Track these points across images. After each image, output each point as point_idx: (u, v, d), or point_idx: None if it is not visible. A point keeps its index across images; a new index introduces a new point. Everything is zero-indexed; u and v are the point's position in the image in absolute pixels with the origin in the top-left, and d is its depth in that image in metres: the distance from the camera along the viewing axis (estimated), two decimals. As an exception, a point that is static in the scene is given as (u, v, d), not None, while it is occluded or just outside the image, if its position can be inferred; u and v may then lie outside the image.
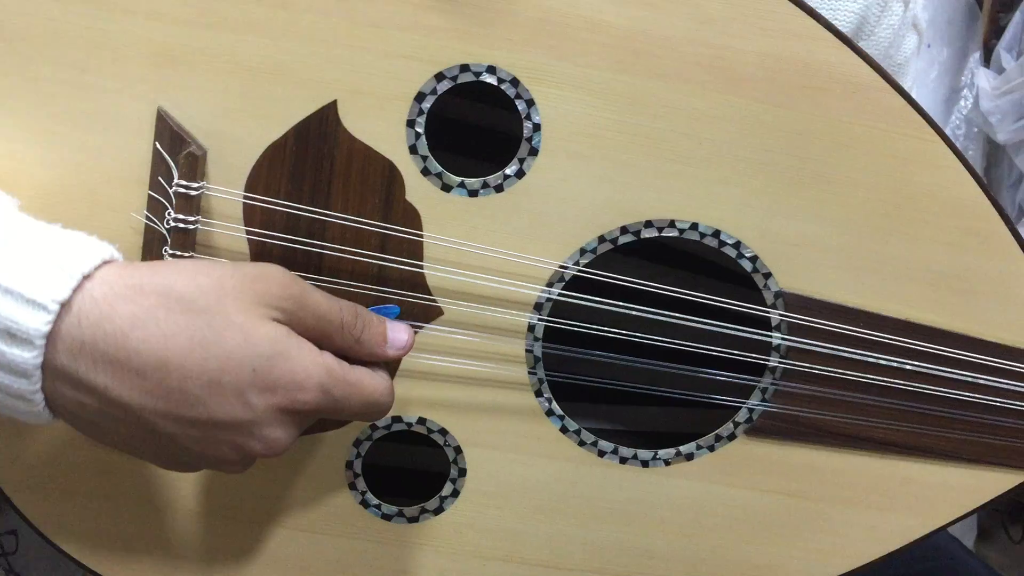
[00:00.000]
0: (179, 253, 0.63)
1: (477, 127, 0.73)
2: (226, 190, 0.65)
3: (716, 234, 0.69)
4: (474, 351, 0.69)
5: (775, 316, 0.71)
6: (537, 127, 0.66)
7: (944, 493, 0.76)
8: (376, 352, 0.62)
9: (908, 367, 0.73)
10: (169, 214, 0.63)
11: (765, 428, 0.73)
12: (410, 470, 0.74)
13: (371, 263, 0.67)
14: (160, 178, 0.63)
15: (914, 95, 0.70)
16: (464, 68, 0.65)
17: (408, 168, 0.66)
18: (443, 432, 0.71)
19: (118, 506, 0.70)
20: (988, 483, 0.77)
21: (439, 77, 0.65)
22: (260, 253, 0.66)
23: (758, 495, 0.74)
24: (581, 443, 0.72)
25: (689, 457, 0.73)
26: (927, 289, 0.72)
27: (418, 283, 0.68)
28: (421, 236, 0.67)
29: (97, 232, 0.59)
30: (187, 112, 0.63)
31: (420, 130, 0.65)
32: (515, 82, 0.65)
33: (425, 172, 0.66)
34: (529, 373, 0.70)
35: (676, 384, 0.74)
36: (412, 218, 0.67)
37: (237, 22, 0.63)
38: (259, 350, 0.56)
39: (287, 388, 0.57)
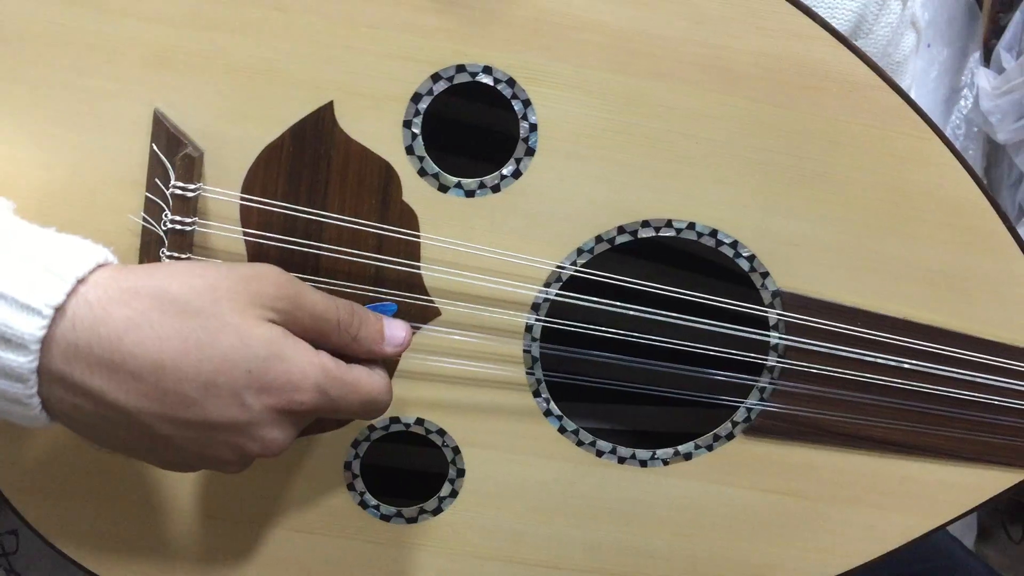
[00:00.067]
0: (176, 255, 0.64)
1: (474, 127, 0.73)
2: (223, 191, 0.65)
3: (713, 234, 0.69)
4: (472, 352, 0.69)
5: (773, 315, 0.71)
6: (534, 127, 0.66)
7: (943, 492, 0.76)
8: (374, 350, 0.62)
9: (906, 366, 0.73)
10: (166, 216, 0.63)
11: (763, 427, 0.73)
12: (408, 471, 0.74)
13: (368, 264, 0.67)
14: (157, 180, 0.63)
15: (914, 95, 0.70)
16: (460, 68, 0.65)
17: (405, 169, 0.66)
18: (441, 433, 0.71)
19: (117, 508, 0.70)
20: (987, 482, 0.77)
21: (435, 78, 0.65)
22: (257, 254, 0.66)
23: (757, 494, 0.74)
24: (579, 443, 0.72)
25: (687, 457, 0.73)
26: (925, 288, 0.72)
27: (415, 284, 0.68)
28: (418, 237, 0.67)
29: (94, 234, 0.59)
30: (183, 114, 0.64)
31: (417, 131, 0.65)
32: (511, 82, 0.65)
33: (422, 173, 0.66)
34: (527, 373, 0.70)
35: (674, 384, 0.74)
36: (409, 219, 0.67)
37: (233, 24, 0.63)
38: (254, 351, 0.56)
39: (283, 389, 0.57)
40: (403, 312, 0.67)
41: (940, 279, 0.72)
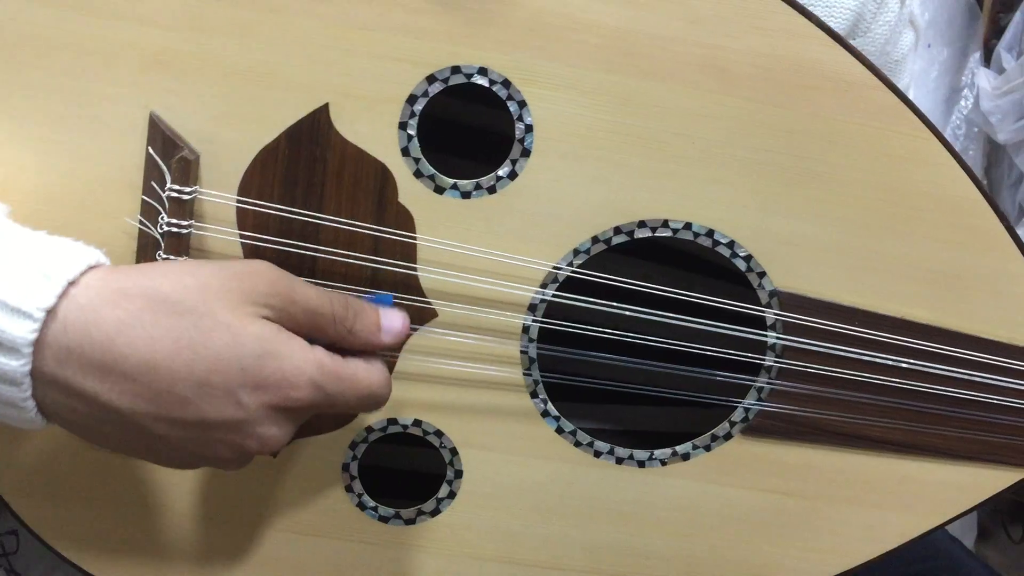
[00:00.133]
0: (173, 257, 0.64)
1: (470, 128, 0.73)
2: (219, 194, 0.65)
3: (710, 234, 0.69)
4: (469, 353, 0.69)
5: (770, 315, 0.71)
6: (529, 128, 0.66)
7: (942, 491, 0.76)
8: (371, 341, 0.61)
9: (904, 365, 0.73)
10: (162, 218, 0.63)
11: (761, 427, 0.73)
12: (406, 472, 0.74)
13: (364, 266, 0.67)
14: (153, 183, 0.64)
15: (914, 95, 0.70)
16: (455, 70, 0.65)
17: (400, 170, 0.66)
18: (439, 434, 0.71)
19: (115, 510, 0.70)
20: (986, 481, 0.77)
21: (430, 79, 0.65)
22: (253, 256, 0.66)
23: (755, 494, 0.74)
24: (577, 444, 0.72)
25: (685, 457, 0.73)
26: (923, 287, 0.72)
27: (412, 285, 0.68)
28: (414, 238, 0.67)
29: (90, 236, 0.59)
30: (179, 117, 0.64)
31: (412, 132, 0.65)
32: (506, 83, 0.65)
33: (418, 174, 0.66)
34: (524, 374, 0.70)
35: (672, 384, 0.74)
36: (405, 220, 0.67)
37: (228, 26, 0.63)
38: (248, 349, 0.56)
39: (278, 386, 0.56)
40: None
41: (938, 278, 0.72)
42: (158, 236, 0.64)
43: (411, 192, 0.66)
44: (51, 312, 0.54)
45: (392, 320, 0.62)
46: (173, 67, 0.63)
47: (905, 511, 0.76)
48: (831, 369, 0.72)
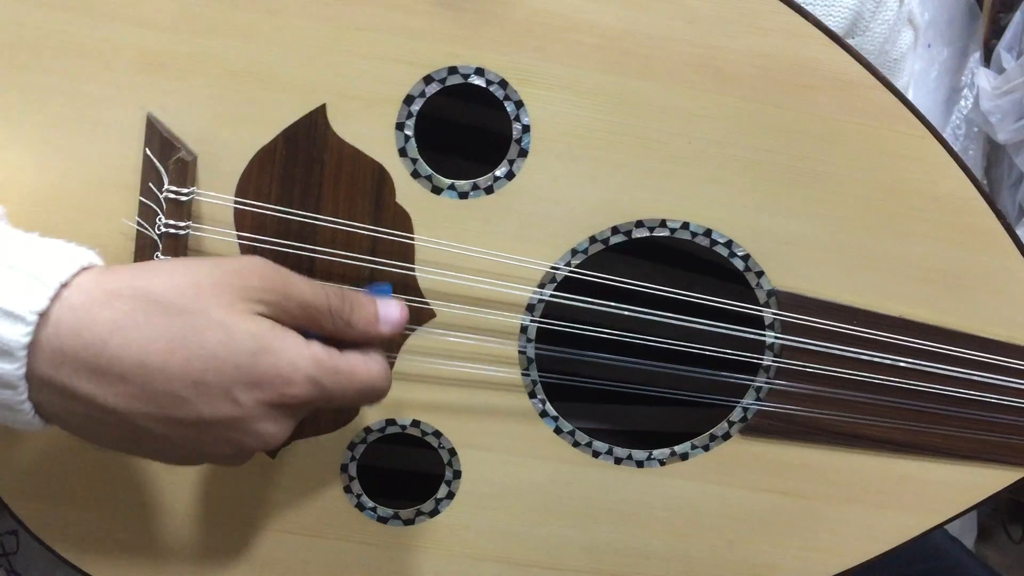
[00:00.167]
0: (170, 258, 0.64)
1: (468, 128, 0.73)
2: (216, 195, 0.65)
3: (707, 233, 0.69)
4: (467, 353, 0.69)
5: (768, 315, 0.71)
6: (526, 128, 0.66)
7: (941, 490, 0.76)
8: (370, 332, 0.61)
9: (903, 364, 0.73)
10: (160, 220, 0.63)
11: (760, 427, 0.73)
12: (405, 473, 0.74)
13: (362, 266, 0.67)
14: (150, 184, 0.64)
15: (914, 95, 0.71)
16: (452, 70, 0.65)
17: (398, 171, 0.66)
18: (437, 434, 0.71)
19: (115, 511, 0.70)
20: (985, 480, 0.77)
21: (427, 80, 0.65)
22: (251, 257, 0.66)
23: (754, 494, 0.74)
24: (575, 444, 0.72)
25: (684, 457, 0.73)
26: (921, 286, 0.72)
27: (409, 286, 0.68)
28: (412, 239, 0.67)
29: (88, 238, 0.59)
30: (176, 118, 0.64)
31: (409, 133, 0.65)
32: (503, 84, 0.65)
33: (415, 175, 0.66)
34: (522, 374, 0.70)
35: (670, 384, 0.74)
36: (402, 221, 0.67)
37: (224, 28, 0.63)
38: (242, 346, 0.55)
39: (274, 383, 0.56)
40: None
41: (936, 277, 0.72)
42: (156, 237, 0.64)
43: (408, 193, 0.66)
44: (44, 315, 0.54)
45: (390, 310, 0.61)
46: (170, 68, 0.63)
47: (904, 510, 0.76)
48: (830, 368, 0.72)
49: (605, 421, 0.77)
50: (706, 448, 0.73)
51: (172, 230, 0.63)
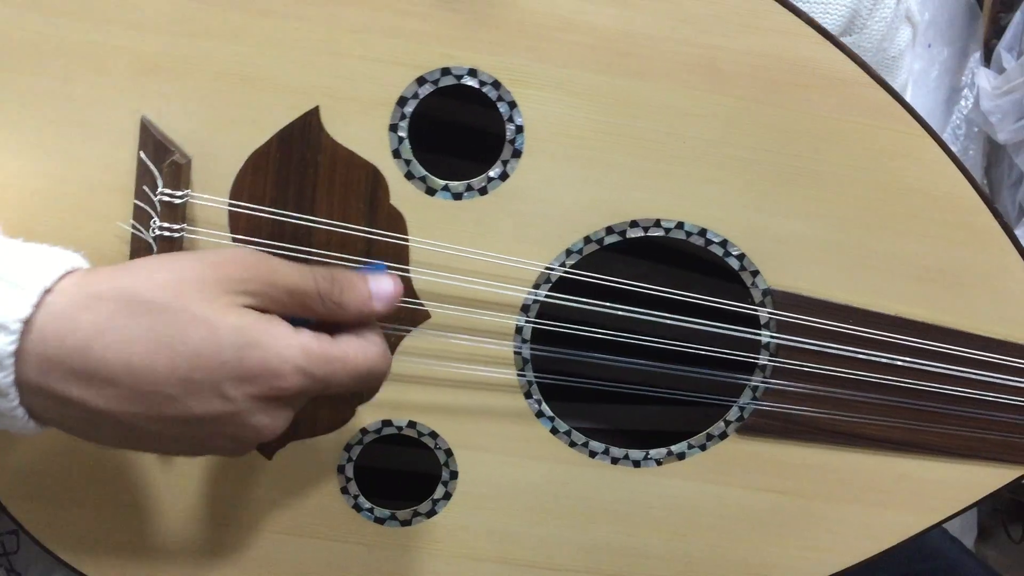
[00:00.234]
0: (161, 258, 0.64)
1: (462, 129, 0.73)
2: (211, 198, 0.65)
3: (702, 233, 0.69)
4: (462, 354, 0.70)
5: (764, 314, 0.71)
6: (520, 129, 0.66)
7: (939, 489, 0.76)
8: (363, 311, 0.59)
9: (900, 363, 0.73)
10: (155, 222, 0.64)
11: (757, 426, 0.73)
12: (402, 473, 0.74)
13: (357, 267, 0.67)
14: (145, 187, 0.64)
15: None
16: (445, 71, 0.65)
17: (392, 172, 0.66)
18: (433, 435, 0.71)
19: (112, 512, 0.70)
20: (984, 478, 0.77)
21: (420, 81, 0.65)
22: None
23: (751, 493, 0.74)
24: (572, 444, 0.72)
25: (681, 456, 0.73)
26: (917, 284, 0.72)
27: (404, 287, 0.68)
28: (406, 240, 0.67)
29: (84, 241, 0.59)
30: (170, 121, 0.64)
31: (403, 134, 0.66)
32: (496, 84, 0.65)
33: (409, 176, 0.66)
34: (518, 375, 0.70)
35: (666, 383, 0.74)
36: (397, 222, 0.67)
37: (218, 30, 0.63)
38: (226, 341, 0.54)
39: (262, 377, 0.55)
40: (393, 316, 0.67)
41: (932, 275, 0.72)
42: (150, 240, 0.64)
43: (402, 194, 0.66)
44: (28, 322, 0.53)
45: (382, 285, 0.60)
46: (164, 72, 0.63)
47: (903, 509, 0.76)
48: (826, 368, 0.72)
49: (601, 421, 0.77)
50: (703, 448, 0.73)
51: (167, 233, 0.63)
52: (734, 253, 0.70)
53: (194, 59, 0.63)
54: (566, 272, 0.69)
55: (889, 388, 0.73)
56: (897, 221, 0.71)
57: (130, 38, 0.63)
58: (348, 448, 0.71)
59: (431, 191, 0.67)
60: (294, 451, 0.70)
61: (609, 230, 0.69)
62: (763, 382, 0.72)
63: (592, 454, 0.72)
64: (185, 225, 0.64)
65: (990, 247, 0.72)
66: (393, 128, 0.65)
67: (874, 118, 0.69)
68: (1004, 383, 0.74)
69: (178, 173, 0.63)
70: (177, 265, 0.56)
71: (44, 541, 0.70)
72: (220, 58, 0.63)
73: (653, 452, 0.73)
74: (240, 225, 0.66)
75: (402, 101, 0.65)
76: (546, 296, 0.69)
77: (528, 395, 0.71)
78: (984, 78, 1.60)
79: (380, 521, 0.72)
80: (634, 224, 0.69)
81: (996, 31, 1.68)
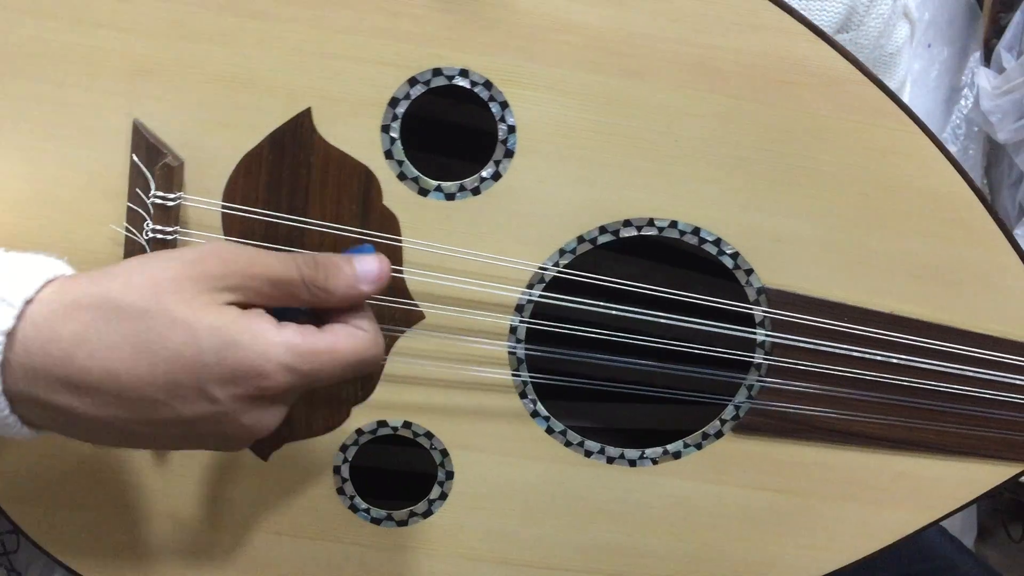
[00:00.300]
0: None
1: (454, 129, 0.73)
2: (204, 200, 0.65)
3: (696, 231, 0.69)
4: (457, 354, 0.70)
5: (758, 312, 0.71)
6: (512, 129, 0.66)
7: (938, 487, 0.76)
8: (351, 295, 0.58)
9: (895, 361, 0.73)
10: (148, 225, 0.64)
11: (752, 425, 0.73)
12: (398, 474, 0.74)
13: (351, 268, 0.67)
14: (138, 189, 0.64)
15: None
16: (437, 72, 0.65)
17: (384, 173, 0.66)
18: (429, 435, 0.71)
19: (109, 514, 0.70)
20: (982, 476, 0.76)
21: (412, 82, 0.65)
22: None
23: (748, 492, 0.74)
24: (567, 444, 0.72)
25: (676, 455, 0.73)
26: (912, 281, 0.72)
27: (398, 288, 0.68)
28: (399, 241, 0.67)
29: (78, 244, 0.60)
30: (163, 123, 0.64)
31: (395, 135, 0.66)
32: (488, 85, 0.66)
33: (401, 177, 0.66)
34: (512, 375, 0.70)
35: (661, 382, 0.74)
36: (390, 223, 0.67)
37: (209, 33, 0.63)
38: (206, 343, 0.53)
39: (246, 376, 0.54)
40: (387, 316, 0.67)
41: (927, 272, 0.72)
42: (144, 243, 0.64)
43: (395, 195, 0.67)
44: (11, 334, 0.53)
45: (367, 266, 0.58)
46: (156, 74, 0.63)
47: (900, 507, 0.76)
48: (821, 366, 0.72)
49: (597, 420, 0.77)
50: (699, 447, 0.73)
51: (160, 235, 0.64)
52: (728, 251, 0.70)
53: (186, 62, 0.63)
54: (560, 272, 0.69)
55: (885, 386, 0.73)
56: (891, 218, 0.71)
57: (122, 41, 0.63)
58: (344, 449, 0.71)
59: (424, 192, 0.67)
60: (290, 452, 0.70)
61: (603, 229, 0.69)
62: (759, 380, 0.72)
63: (588, 454, 0.72)
64: (178, 227, 0.64)
65: (985, 243, 0.72)
66: (385, 129, 0.65)
67: (868, 116, 0.69)
68: (1001, 380, 0.74)
69: (171, 175, 0.63)
70: (153, 267, 0.55)
71: (41, 542, 0.70)
72: (212, 61, 0.64)
73: (649, 451, 0.73)
74: (233, 227, 0.66)
75: (394, 102, 0.65)
76: (540, 296, 0.69)
77: (523, 395, 0.71)
78: (984, 78, 1.60)
79: (376, 522, 0.72)
80: (627, 223, 0.69)
81: (996, 31, 1.68)
